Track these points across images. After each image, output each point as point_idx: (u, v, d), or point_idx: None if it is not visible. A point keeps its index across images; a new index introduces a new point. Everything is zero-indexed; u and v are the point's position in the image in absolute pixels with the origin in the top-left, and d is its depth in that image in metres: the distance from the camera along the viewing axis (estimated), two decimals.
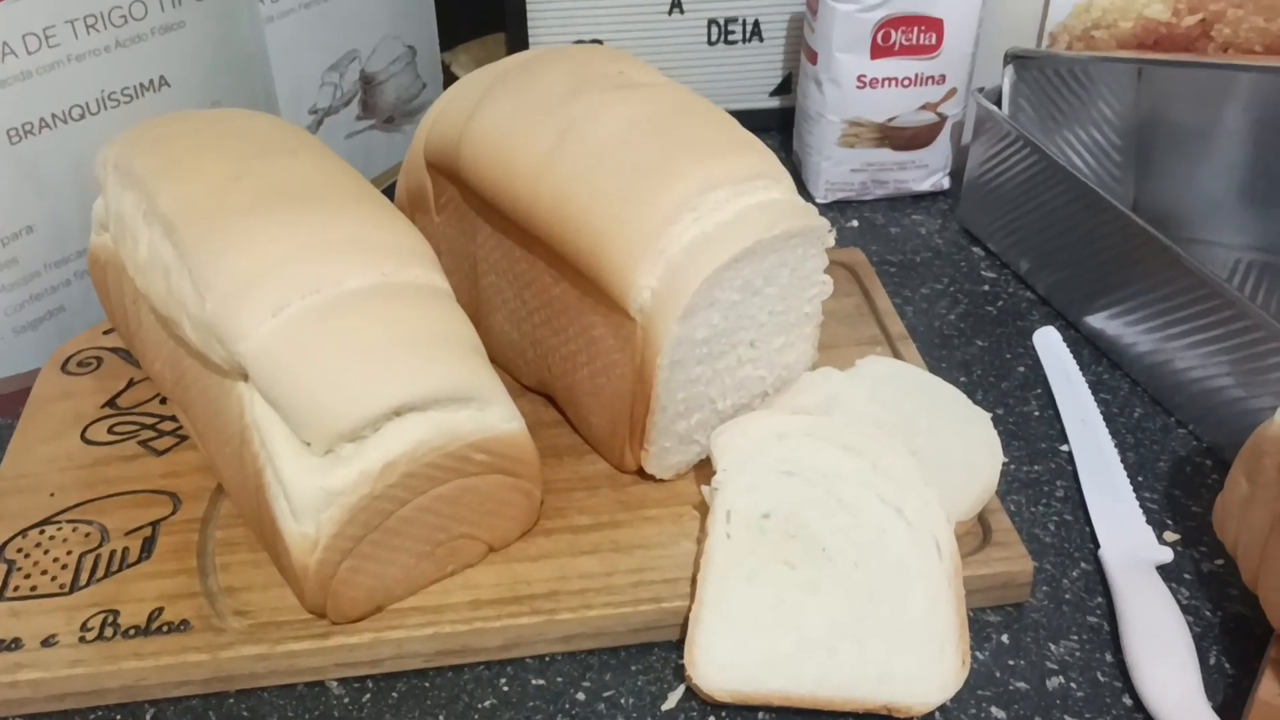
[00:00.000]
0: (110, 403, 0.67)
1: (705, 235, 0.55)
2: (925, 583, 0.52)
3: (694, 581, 0.55)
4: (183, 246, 0.54)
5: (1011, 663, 0.55)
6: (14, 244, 0.69)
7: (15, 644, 0.53)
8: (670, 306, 0.55)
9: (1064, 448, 0.67)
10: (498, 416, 0.54)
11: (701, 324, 0.56)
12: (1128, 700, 0.53)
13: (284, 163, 0.58)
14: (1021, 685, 0.54)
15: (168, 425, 0.65)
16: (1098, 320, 0.74)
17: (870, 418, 0.59)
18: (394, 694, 0.54)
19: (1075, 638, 0.56)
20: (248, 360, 0.51)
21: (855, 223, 0.88)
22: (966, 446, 0.59)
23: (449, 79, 0.96)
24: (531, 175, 0.59)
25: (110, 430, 0.65)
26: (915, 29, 0.82)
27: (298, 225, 0.54)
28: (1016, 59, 0.81)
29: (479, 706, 0.53)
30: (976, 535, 0.58)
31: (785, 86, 0.96)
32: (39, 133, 0.68)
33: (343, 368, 0.51)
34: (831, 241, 0.59)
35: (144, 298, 0.59)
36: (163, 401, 0.67)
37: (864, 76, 0.84)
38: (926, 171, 0.89)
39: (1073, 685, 0.54)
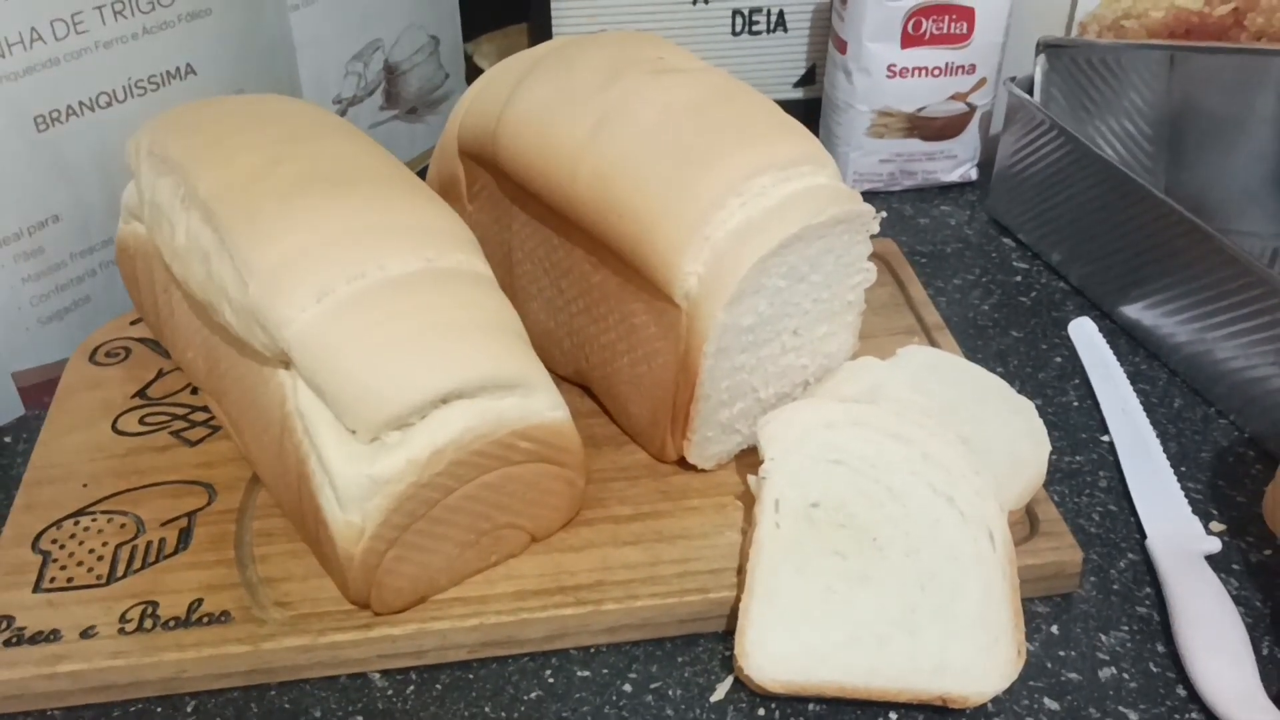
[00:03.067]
0: (140, 393, 0.66)
1: (752, 221, 0.54)
2: (979, 572, 0.52)
3: (740, 572, 0.55)
4: (223, 231, 0.53)
5: (1062, 653, 0.54)
6: (40, 233, 0.68)
7: (54, 635, 0.52)
8: (717, 293, 0.54)
9: (1105, 438, 0.66)
10: (543, 404, 0.53)
11: (748, 311, 0.55)
12: (1181, 691, 0.52)
13: (323, 146, 0.57)
14: (1074, 676, 0.53)
15: (200, 416, 0.65)
16: (1134, 310, 0.73)
17: (915, 407, 0.58)
18: (438, 685, 0.53)
19: (1125, 628, 0.56)
20: (292, 346, 0.50)
21: (883, 214, 0.86)
22: (1012, 435, 0.58)
23: (471, 70, 0.95)
24: (571, 161, 0.58)
25: (141, 421, 0.64)
26: (946, 18, 0.81)
27: (339, 209, 0.53)
28: (1049, 47, 0.80)
29: (524, 698, 0.53)
30: (1024, 525, 0.57)
31: (810, 77, 0.96)
32: (66, 120, 0.67)
33: (389, 354, 0.50)
34: (876, 228, 0.59)
35: (179, 285, 0.58)
36: (194, 392, 0.66)
37: (894, 66, 0.83)
38: (955, 162, 0.88)
39: (1125, 676, 0.53)
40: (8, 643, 0.52)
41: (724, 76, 0.61)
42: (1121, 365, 0.71)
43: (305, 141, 0.57)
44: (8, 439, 0.68)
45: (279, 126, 0.58)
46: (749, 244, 0.54)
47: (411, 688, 0.53)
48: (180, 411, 0.65)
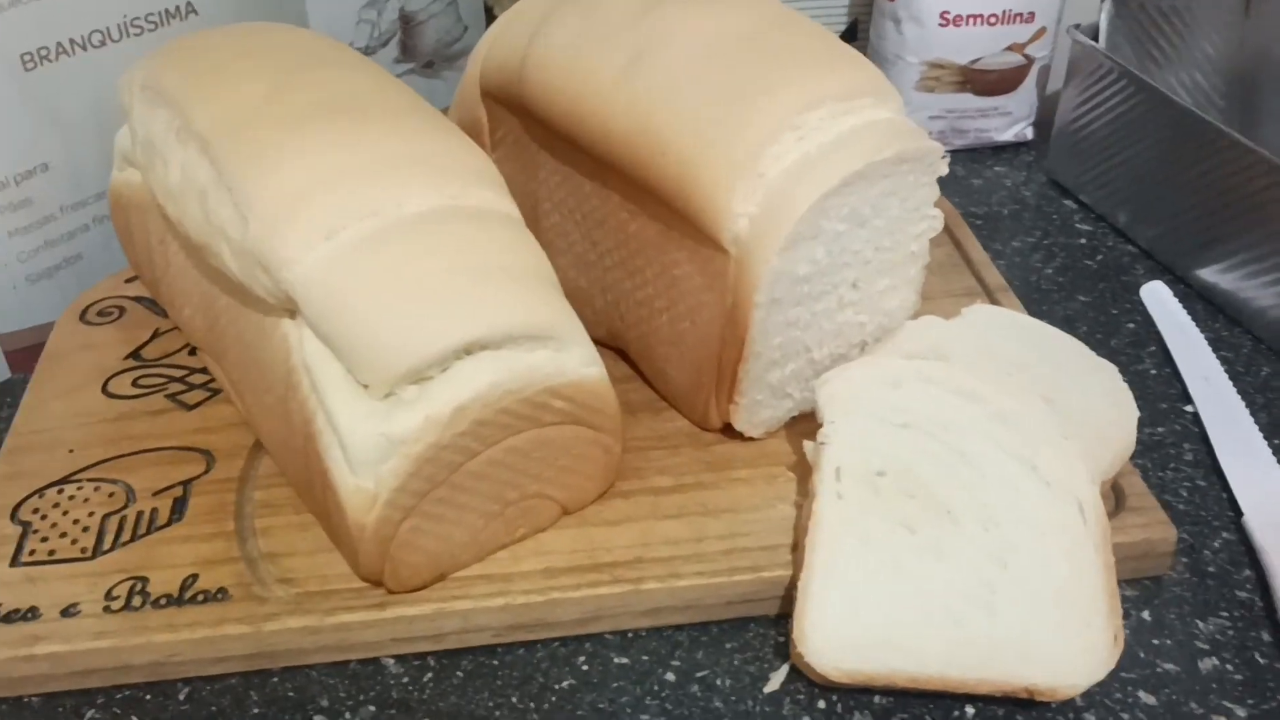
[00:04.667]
0: (134, 354, 0.61)
1: (809, 157, 0.49)
2: (1067, 548, 0.46)
3: (795, 548, 0.49)
4: (221, 164, 0.48)
5: (1156, 642, 0.49)
6: (27, 183, 0.63)
7: (32, 613, 0.47)
8: (771, 236, 0.48)
9: (1188, 408, 0.61)
10: (577, 359, 0.48)
11: (804, 258, 0.50)
12: None
13: (332, 74, 0.51)
14: (1170, 667, 0.48)
15: (198, 378, 0.59)
16: (1211, 273, 0.68)
17: (988, 368, 0.52)
18: (459, 673, 0.48)
19: (1225, 614, 0.50)
20: (296, 289, 0.45)
21: (948, 158, 0.81)
22: (1095, 399, 0.52)
23: (491, 22, 0.89)
24: (606, 96, 0.53)
25: (135, 383, 0.59)
26: None
27: (350, 140, 0.48)
28: None
29: (555, 687, 0.47)
30: (1109, 500, 0.52)
31: (851, 32, 0.90)
32: (56, 59, 0.62)
33: (405, 299, 0.44)
34: (945, 169, 0.53)
35: (175, 230, 0.53)
36: (192, 353, 0.61)
37: (947, 13, 0.77)
38: (1010, 120, 0.82)
39: (1228, 667, 0.48)
40: None
41: (775, 4, 0.55)
42: (1201, 332, 0.65)
43: (313, 70, 0.52)
44: None
45: (284, 54, 0.53)
46: (806, 182, 0.48)
47: (429, 675, 0.48)
48: (177, 373, 0.60)
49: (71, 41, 0.63)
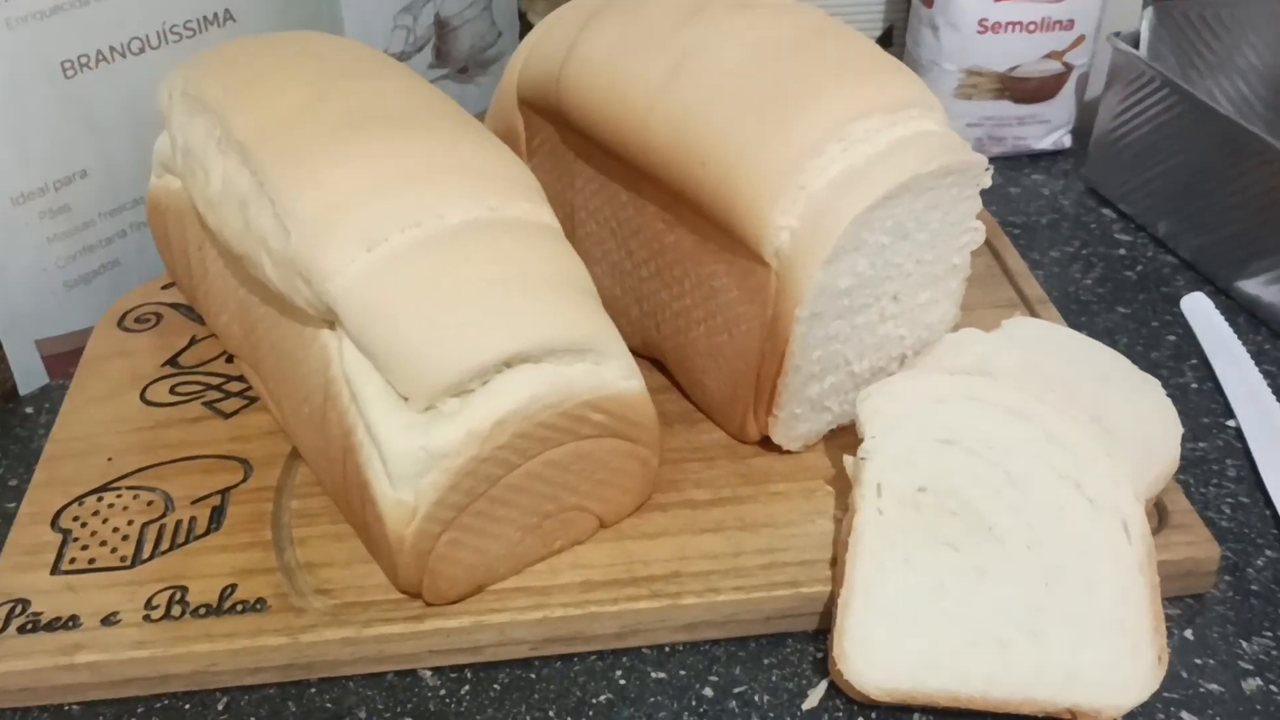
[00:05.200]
0: (171, 361, 0.61)
1: (854, 169, 0.48)
2: (1113, 568, 0.45)
3: (834, 564, 0.49)
4: (262, 174, 0.48)
5: (1199, 662, 0.48)
6: (66, 189, 0.64)
7: (73, 622, 0.47)
8: (813, 249, 0.48)
9: (1230, 423, 0.60)
10: (616, 372, 0.47)
11: (846, 271, 0.49)
12: None
13: (374, 84, 0.51)
14: (1214, 688, 0.47)
15: (235, 385, 0.59)
16: (1254, 285, 0.67)
17: (1032, 382, 0.52)
18: (495, 685, 0.48)
19: (1270, 634, 0.49)
20: (337, 301, 0.45)
21: (991, 171, 0.81)
22: (1140, 415, 0.52)
23: (525, 28, 0.89)
24: (645, 105, 0.53)
25: (172, 391, 0.59)
26: None
27: (392, 150, 0.47)
28: (1157, 1, 0.74)
29: (593, 701, 0.47)
30: (1152, 517, 0.51)
31: (887, 38, 0.89)
32: (95, 66, 0.63)
33: (447, 312, 0.44)
34: (988, 181, 0.53)
35: (214, 238, 0.53)
36: (229, 360, 0.61)
37: (985, 20, 0.77)
38: (1048, 128, 0.82)
39: (1273, 688, 0.47)
40: (22, 629, 0.47)
41: (817, 12, 0.55)
42: (1243, 345, 0.64)
43: (354, 79, 0.51)
44: (29, 410, 0.63)
45: (325, 63, 0.53)
46: (850, 194, 0.48)
47: (466, 687, 0.48)
48: (214, 381, 0.60)
49: (111, 49, 0.63)
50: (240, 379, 0.60)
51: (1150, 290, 0.70)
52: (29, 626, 0.47)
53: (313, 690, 0.48)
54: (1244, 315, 0.67)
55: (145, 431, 0.57)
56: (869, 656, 0.45)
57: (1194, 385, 0.63)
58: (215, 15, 0.67)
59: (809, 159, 0.48)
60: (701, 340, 0.55)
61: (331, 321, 0.47)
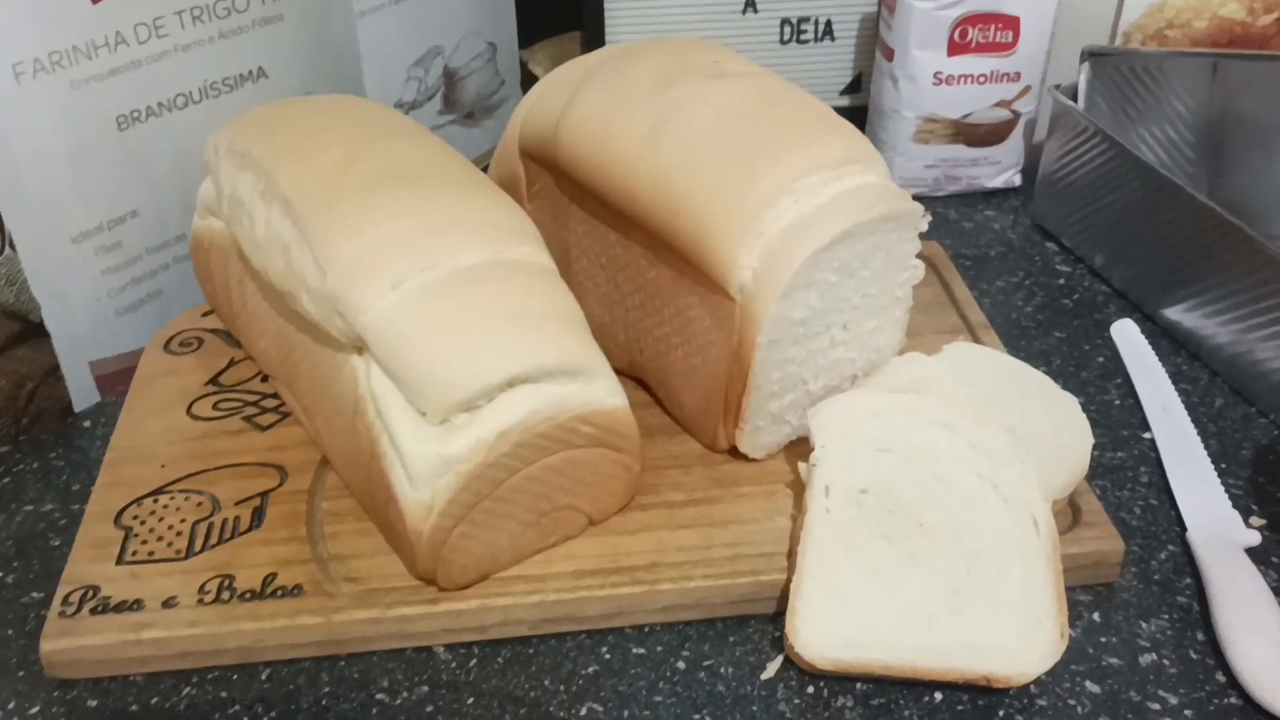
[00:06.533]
0: (214, 380, 0.69)
1: (804, 218, 0.57)
2: (1023, 557, 0.53)
3: (790, 555, 0.57)
4: (303, 224, 0.56)
5: (1104, 640, 0.56)
6: (119, 228, 0.71)
7: (137, 604, 0.55)
8: (771, 286, 0.56)
9: (1146, 435, 0.68)
10: (603, 391, 0.55)
11: (799, 304, 0.58)
12: (1220, 677, 0.54)
13: (397, 146, 0.60)
14: (1115, 661, 0.55)
15: (270, 402, 0.67)
16: (1175, 312, 0.75)
17: (961, 398, 0.60)
18: (499, 660, 0.55)
19: (1165, 617, 0.57)
20: (368, 332, 0.53)
21: (929, 216, 0.89)
22: (1056, 428, 0.60)
23: (526, 76, 0.98)
24: (631, 161, 0.61)
25: (215, 406, 0.67)
26: (992, 26, 0.83)
27: (414, 205, 0.56)
28: (1093, 56, 0.82)
29: (582, 673, 0.55)
30: (1067, 516, 0.59)
31: (856, 85, 0.98)
32: (145, 120, 0.71)
33: (459, 341, 0.52)
34: (925, 226, 0.61)
35: (257, 275, 0.61)
36: (264, 380, 0.69)
37: (940, 73, 0.85)
38: (999, 168, 0.90)
39: (1165, 662, 0.55)
40: (94, 610, 0.55)
41: (777, 80, 0.63)
42: (1163, 366, 0.72)
43: (380, 141, 0.60)
44: (86, 423, 0.71)
45: (355, 128, 0.61)
46: (802, 239, 0.56)
47: (474, 660, 0.55)
48: (252, 398, 0.68)
49: (160, 104, 0.71)
50: (275, 396, 0.68)
51: (1084, 316, 0.78)
52: (99, 609, 0.55)
53: (342, 664, 0.55)
54: (1166, 339, 0.75)
55: (193, 442, 0.65)
56: (817, 633, 0.52)
57: (1116, 401, 0.71)
58: (250, 72, 0.75)
59: (766, 209, 0.56)
60: (679, 362, 0.63)
61: (360, 348, 0.55)
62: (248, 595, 0.56)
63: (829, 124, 0.60)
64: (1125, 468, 0.66)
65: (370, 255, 0.53)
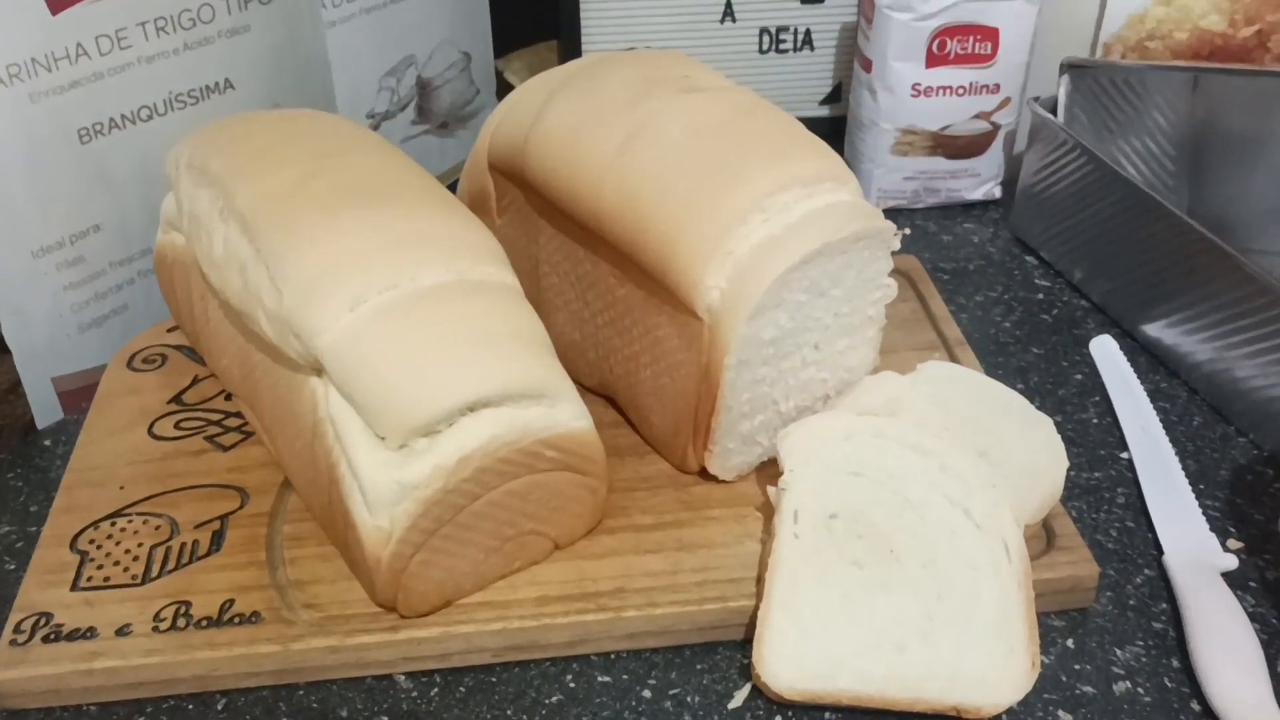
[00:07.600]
0: (176, 399, 0.68)
1: (774, 236, 0.56)
2: (994, 584, 0.52)
3: (759, 581, 0.56)
4: (259, 242, 0.55)
5: (1077, 667, 0.55)
6: (81, 242, 0.70)
7: (90, 633, 0.54)
8: (739, 306, 0.55)
9: (1124, 455, 0.67)
10: (568, 414, 0.54)
11: (769, 324, 0.56)
12: (1195, 706, 0.53)
13: (357, 161, 0.58)
14: (1088, 689, 0.54)
15: (233, 421, 0.66)
16: (1154, 329, 0.74)
17: (933, 420, 0.59)
18: (461, 688, 0.54)
19: (1141, 643, 0.56)
20: (324, 354, 0.52)
21: (906, 231, 0.87)
22: (1031, 450, 0.59)
23: (502, 86, 0.97)
24: (599, 176, 0.59)
25: (177, 425, 0.66)
26: (971, 38, 0.82)
27: (373, 222, 0.54)
28: (1072, 68, 0.81)
29: (546, 702, 0.54)
30: (1041, 539, 0.58)
31: (835, 95, 0.97)
32: (108, 133, 0.69)
33: (419, 363, 0.51)
34: (897, 245, 0.60)
35: (216, 294, 0.60)
36: (228, 398, 0.68)
37: (919, 85, 0.84)
38: (978, 180, 0.89)
39: (1140, 690, 0.54)
40: (46, 639, 0.54)
41: (749, 95, 0.62)
42: (1141, 383, 0.71)
43: (340, 156, 0.59)
44: (47, 442, 0.70)
45: (315, 142, 0.60)
46: (771, 259, 0.55)
47: (436, 690, 0.54)
48: (214, 417, 0.67)
49: (122, 116, 0.70)
50: (238, 415, 0.66)
51: (1063, 332, 0.77)
52: (52, 637, 0.54)
53: (301, 692, 0.54)
54: (1146, 356, 0.75)
55: (153, 463, 0.63)
56: (784, 663, 0.51)
57: (1094, 420, 0.70)
58: (216, 84, 0.74)
59: (735, 227, 0.55)
60: (648, 381, 0.62)
61: (319, 370, 0.54)
62: (204, 623, 0.54)
63: (801, 140, 0.59)
64: (1102, 488, 0.65)
65: (328, 275, 0.52)
